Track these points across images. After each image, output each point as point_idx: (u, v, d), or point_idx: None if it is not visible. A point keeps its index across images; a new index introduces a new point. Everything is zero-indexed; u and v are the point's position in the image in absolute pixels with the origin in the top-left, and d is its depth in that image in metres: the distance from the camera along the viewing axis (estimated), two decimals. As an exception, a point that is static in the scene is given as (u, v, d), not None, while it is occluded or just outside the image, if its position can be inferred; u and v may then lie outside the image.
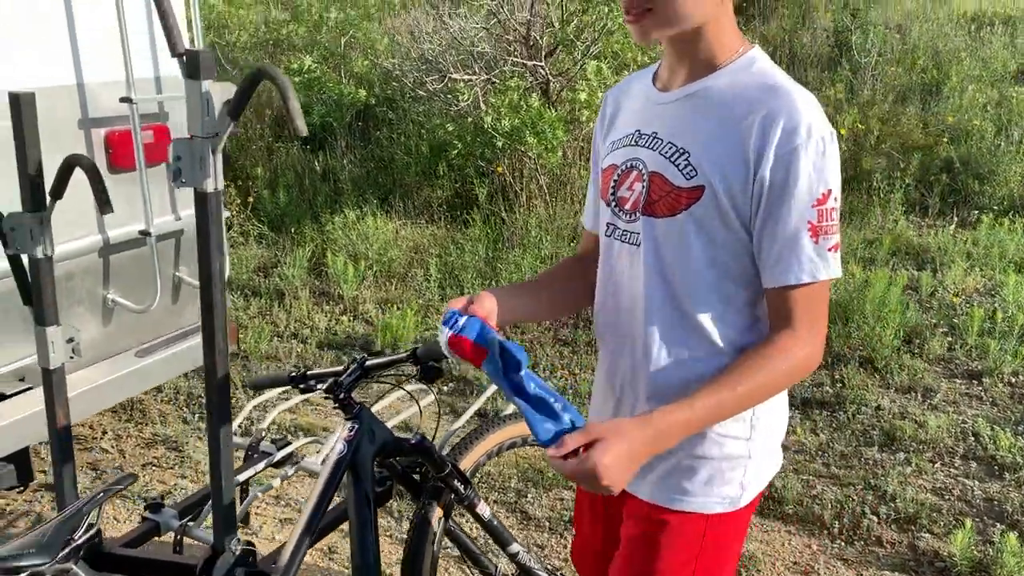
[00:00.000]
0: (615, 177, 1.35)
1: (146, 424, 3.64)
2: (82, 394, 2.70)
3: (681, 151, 1.24)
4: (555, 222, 5.48)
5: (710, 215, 1.22)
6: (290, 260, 5.25)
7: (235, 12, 7.75)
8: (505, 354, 1.23)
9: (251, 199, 6.16)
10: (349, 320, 4.73)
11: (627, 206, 1.32)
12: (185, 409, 3.77)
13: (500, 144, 5.44)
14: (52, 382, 1.69)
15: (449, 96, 6.00)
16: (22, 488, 2.94)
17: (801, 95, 1.20)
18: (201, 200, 1.38)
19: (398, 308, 4.73)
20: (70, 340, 1.68)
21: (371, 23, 7.80)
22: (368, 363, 1.82)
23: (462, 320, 1.29)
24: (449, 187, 6.14)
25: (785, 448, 2.87)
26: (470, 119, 5.82)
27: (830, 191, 1.19)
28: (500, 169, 5.59)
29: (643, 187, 1.28)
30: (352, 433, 1.74)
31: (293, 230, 5.83)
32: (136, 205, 2.80)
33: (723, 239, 1.23)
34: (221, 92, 1.35)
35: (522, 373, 1.21)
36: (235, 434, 2.33)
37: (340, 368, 1.86)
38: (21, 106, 1.51)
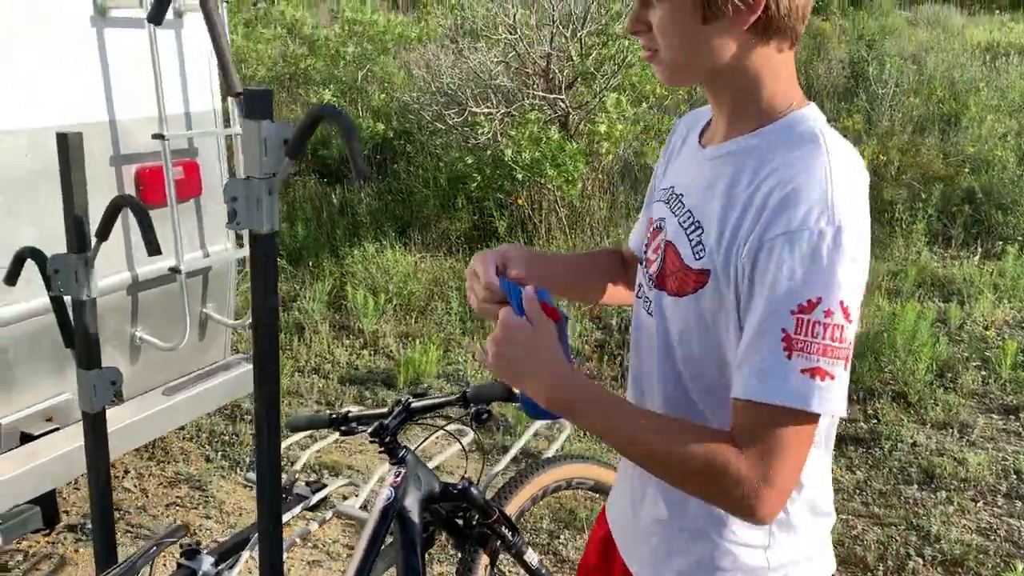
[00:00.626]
0: (649, 232, 1.21)
1: (168, 462, 3.58)
2: (111, 434, 2.65)
3: (696, 225, 1.07)
4: (576, 254, 5.45)
5: (715, 306, 1.04)
6: (309, 294, 5.22)
7: (253, 47, 7.81)
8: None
9: (269, 232, 6.15)
10: (370, 355, 4.68)
11: (651, 270, 1.17)
12: (207, 447, 3.72)
13: (520, 176, 5.43)
14: (94, 426, 1.65)
15: (468, 129, 6.01)
16: (48, 531, 2.89)
17: (824, 169, 0.96)
18: (257, 241, 1.35)
19: (419, 342, 4.68)
20: (112, 383, 1.64)
21: (388, 56, 7.84)
22: (414, 405, 1.77)
23: (529, 289, 1.12)
24: (468, 219, 6.12)
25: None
26: (489, 152, 5.81)
27: (820, 299, 0.92)
28: (520, 201, 5.57)
29: (660, 256, 1.14)
30: (398, 479, 1.69)
31: (312, 263, 5.81)
32: (166, 241, 2.77)
33: (727, 336, 1.04)
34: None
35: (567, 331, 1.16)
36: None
37: (384, 410, 1.81)
38: (68, 147, 1.49)
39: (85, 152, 2.64)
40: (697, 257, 1.06)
